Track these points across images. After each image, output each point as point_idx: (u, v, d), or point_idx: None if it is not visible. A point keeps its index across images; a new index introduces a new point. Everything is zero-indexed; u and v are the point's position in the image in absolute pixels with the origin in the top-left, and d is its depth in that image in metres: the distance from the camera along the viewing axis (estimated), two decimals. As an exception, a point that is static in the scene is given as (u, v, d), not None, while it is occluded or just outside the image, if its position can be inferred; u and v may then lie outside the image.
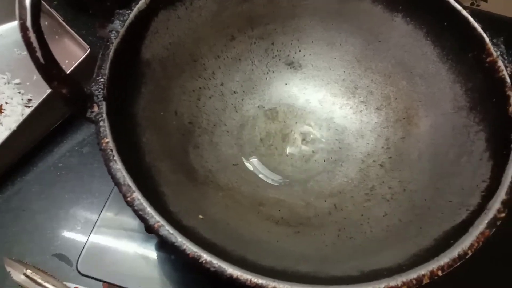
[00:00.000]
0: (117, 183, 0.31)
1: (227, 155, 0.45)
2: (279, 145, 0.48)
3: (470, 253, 0.31)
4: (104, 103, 0.34)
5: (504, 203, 0.33)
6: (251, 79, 0.50)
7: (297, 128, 0.49)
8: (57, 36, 0.61)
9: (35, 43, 0.29)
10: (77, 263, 0.44)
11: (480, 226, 0.32)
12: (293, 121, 0.49)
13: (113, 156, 0.32)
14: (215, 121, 0.47)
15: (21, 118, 0.52)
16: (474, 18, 0.41)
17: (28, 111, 0.52)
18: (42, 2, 0.37)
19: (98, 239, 0.47)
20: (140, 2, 0.39)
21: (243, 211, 0.41)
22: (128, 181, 0.31)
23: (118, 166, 0.31)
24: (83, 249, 0.47)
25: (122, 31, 0.38)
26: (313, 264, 0.35)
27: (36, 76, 0.29)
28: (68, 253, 0.51)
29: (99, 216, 0.49)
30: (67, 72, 0.33)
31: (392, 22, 0.46)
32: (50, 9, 0.57)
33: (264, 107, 0.50)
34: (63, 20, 0.58)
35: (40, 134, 0.57)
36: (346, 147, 0.48)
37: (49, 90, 0.50)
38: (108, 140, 0.32)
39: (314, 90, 0.51)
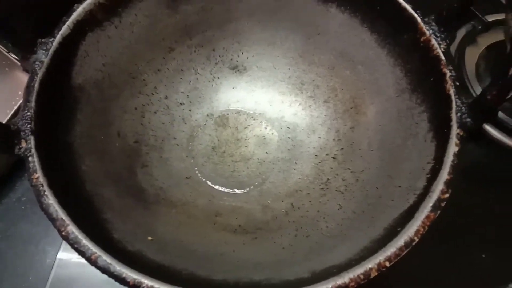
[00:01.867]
0: (50, 219, 0.30)
1: (179, 169, 0.44)
2: (232, 151, 0.48)
3: (416, 240, 0.31)
4: (32, 137, 0.33)
5: (447, 183, 0.33)
6: (197, 88, 0.49)
7: (249, 132, 0.49)
8: (7, 68, 0.60)
9: None
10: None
11: (425, 210, 0.32)
12: (244, 125, 0.49)
13: (44, 192, 0.31)
14: (163, 136, 0.46)
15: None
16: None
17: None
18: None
19: (62, 272, 0.46)
20: (63, 28, 0.38)
21: (199, 225, 0.40)
22: (62, 215, 0.30)
23: (50, 201, 0.31)
24: (48, 281, 0.46)
25: (46, 60, 0.37)
26: (268, 270, 0.34)
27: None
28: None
29: (59, 247, 0.48)
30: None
31: (328, 13, 0.46)
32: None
33: (213, 115, 0.49)
34: (7, 52, 0.57)
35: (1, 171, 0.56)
36: (299, 144, 0.47)
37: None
38: (38, 175, 0.31)
39: (262, 92, 0.50)
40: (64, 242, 0.47)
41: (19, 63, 0.56)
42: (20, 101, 0.51)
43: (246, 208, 0.43)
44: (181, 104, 0.48)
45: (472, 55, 0.60)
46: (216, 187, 0.45)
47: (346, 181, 0.42)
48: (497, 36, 0.61)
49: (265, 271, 0.34)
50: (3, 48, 0.56)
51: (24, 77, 0.59)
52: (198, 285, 0.30)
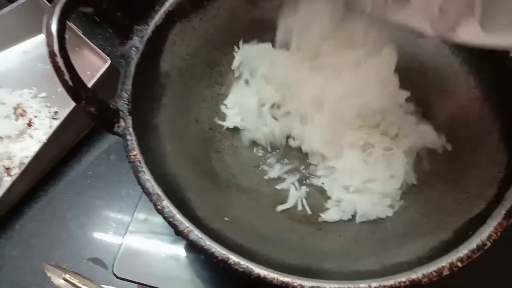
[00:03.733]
0: (147, 193, 0.33)
1: (248, 158, 0.47)
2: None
3: (488, 244, 0.32)
4: (129, 117, 0.36)
5: (520, 193, 0.34)
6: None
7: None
8: (77, 49, 0.64)
9: (63, 67, 0.31)
10: (112, 267, 0.46)
11: (498, 216, 0.33)
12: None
13: (142, 168, 0.34)
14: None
15: (50, 131, 0.55)
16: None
17: (56, 123, 0.55)
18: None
19: (131, 243, 0.49)
20: (157, 17, 0.41)
21: (265, 211, 0.43)
22: (157, 190, 0.33)
23: (147, 177, 0.33)
24: (117, 253, 0.50)
25: (141, 47, 0.40)
26: (335, 260, 0.36)
27: (61, 88, 0.30)
28: (102, 256, 0.53)
29: (130, 221, 0.51)
30: (91, 84, 0.34)
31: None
32: (68, 23, 0.59)
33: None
34: (82, 34, 0.60)
35: (69, 145, 0.60)
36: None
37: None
38: (136, 153, 0.34)
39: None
40: (134, 216, 0.51)
41: (90, 45, 0.60)
42: (92, 80, 0.54)
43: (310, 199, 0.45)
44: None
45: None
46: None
47: (410, 182, 0.44)
48: None
49: (332, 260, 0.36)
50: (77, 28, 0.60)
51: (92, 58, 0.63)
52: (274, 267, 0.32)
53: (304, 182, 0.46)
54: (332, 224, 0.42)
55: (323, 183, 0.44)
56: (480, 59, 0.42)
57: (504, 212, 0.33)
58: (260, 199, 0.44)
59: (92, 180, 0.59)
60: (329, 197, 0.44)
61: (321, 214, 0.43)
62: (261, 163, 0.47)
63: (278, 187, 0.45)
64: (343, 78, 0.43)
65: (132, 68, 0.38)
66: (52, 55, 0.30)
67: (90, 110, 0.33)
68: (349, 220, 0.42)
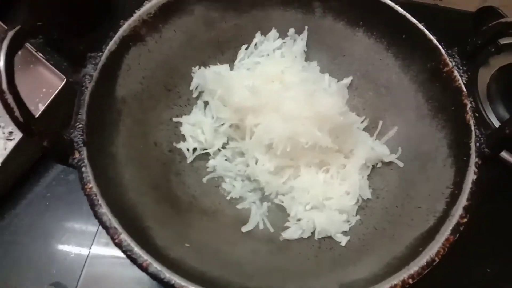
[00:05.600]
0: (104, 227, 0.33)
1: (209, 178, 0.47)
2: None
3: (437, 260, 0.34)
4: (84, 148, 0.36)
5: (465, 208, 0.36)
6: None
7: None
8: (31, 66, 0.62)
9: (12, 104, 0.30)
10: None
11: (445, 232, 0.35)
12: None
13: (98, 201, 0.34)
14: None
15: (4, 153, 0.53)
16: (429, 31, 0.44)
17: (10, 144, 0.53)
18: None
19: (93, 266, 0.49)
20: (111, 43, 0.41)
21: (228, 232, 0.43)
22: (115, 223, 0.33)
23: (103, 210, 0.33)
24: (80, 277, 0.49)
25: (95, 74, 0.39)
26: (296, 279, 0.37)
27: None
28: (64, 281, 0.52)
29: (92, 244, 0.51)
30: (47, 103, 0.33)
31: (354, 37, 0.49)
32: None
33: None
34: (35, 51, 0.59)
35: (25, 166, 0.58)
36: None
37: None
38: (91, 185, 0.34)
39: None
40: (96, 239, 0.50)
41: (44, 62, 0.58)
42: (48, 99, 0.53)
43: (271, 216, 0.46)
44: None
45: (484, 76, 0.63)
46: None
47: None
48: (508, 58, 0.64)
49: (293, 280, 0.37)
50: (30, 46, 0.58)
51: (47, 76, 0.61)
52: (236, 292, 0.33)
53: (265, 200, 0.46)
54: (293, 241, 0.43)
55: (282, 202, 0.45)
56: (429, 77, 0.44)
57: (451, 228, 0.35)
58: (222, 221, 0.44)
59: (51, 201, 0.58)
60: (288, 215, 0.45)
61: (282, 233, 0.44)
62: (222, 183, 0.47)
63: (239, 206, 0.46)
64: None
65: (86, 97, 0.38)
66: (0, 92, 0.30)
67: (43, 144, 0.33)
68: (308, 237, 0.44)
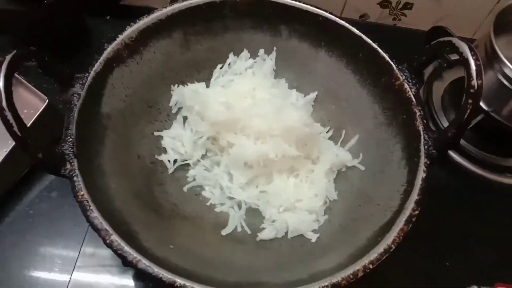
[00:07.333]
0: (96, 229, 0.36)
1: (189, 187, 0.51)
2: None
3: (393, 247, 0.38)
4: (75, 159, 0.39)
5: (416, 202, 0.41)
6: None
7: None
8: (13, 88, 0.64)
9: (12, 121, 0.34)
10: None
11: (400, 223, 0.40)
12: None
13: (90, 206, 0.37)
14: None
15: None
16: (382, 49, 0.49)
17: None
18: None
19: (79, 278, 0.51)
20: (96, 65, 0.45)
21: (208, 236, 0.47)
22: (105, 226, 0.36)
23: (95, 214, 0.37)
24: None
25: (83, 93, 0.43)
26: (271, 273, 0.41)
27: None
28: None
29: (77, 256, 0.53)
30: (29, 124, 0.35)
31: (317, 56, 0.54)
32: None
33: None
34: (16, 73, 0.61)
35: (8, 185, 0.59)
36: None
37: (12, 142, 0.53)
38: (83, 193, 0.37)
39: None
40: (81, 251, 0.52)
41: (25, 83, 0.60)
42: (30, 120, 0.55)
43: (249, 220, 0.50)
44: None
45: (438, 89, 0.70)
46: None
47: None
48: (458, 73, 0.70)
49: (269, 273, 0.41)
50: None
51: (28, 97, 0.63)
52: (217, 284, 0.37)
53: (242, 204, 0.50)
54: (268, 241, 0.47)
55: (258, 206, 0.49)
56: (383, 90, 0.50)
57: (404, 219, 0.40)
58: (202, 225, 0.48)
59: (34, 219, 0.59)
60: (264, 217, 0.49)
61: (258, 234, 0.48)
62: (202, 191, 0.51)
63: (218, 209, 0.50)
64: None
65: (75, 114, 0.42)
66: (1, 110, 0.33)
67: (38, 157, 0.36)
68: (282, 236, 0.48)
